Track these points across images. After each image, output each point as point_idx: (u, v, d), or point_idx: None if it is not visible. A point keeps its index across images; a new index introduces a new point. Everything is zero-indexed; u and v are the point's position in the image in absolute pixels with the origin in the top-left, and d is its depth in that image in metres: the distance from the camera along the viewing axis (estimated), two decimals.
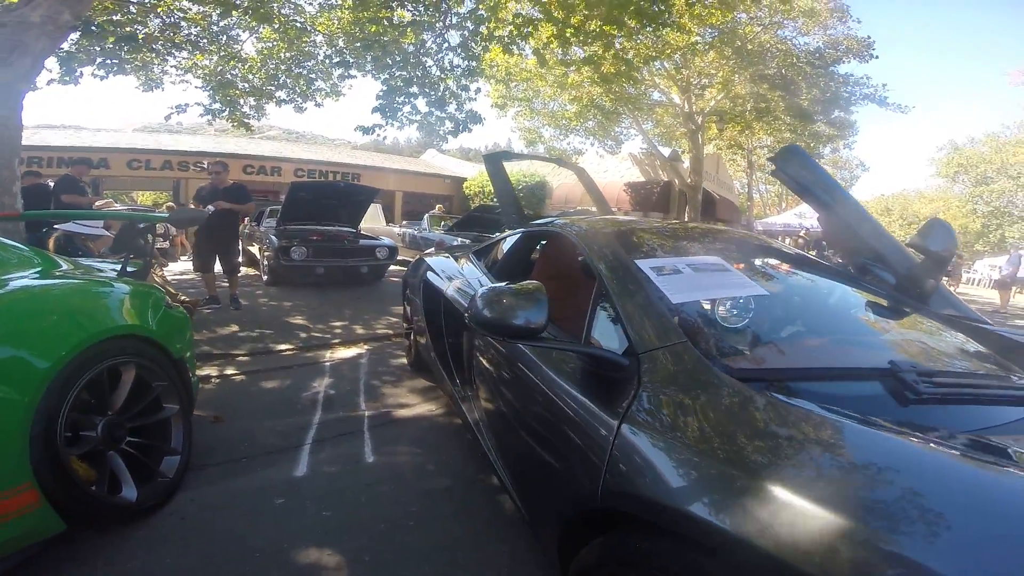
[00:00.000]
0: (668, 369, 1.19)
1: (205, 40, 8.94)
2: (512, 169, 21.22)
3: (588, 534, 1.16)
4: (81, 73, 8.10)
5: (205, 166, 17.35)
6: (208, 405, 3.19)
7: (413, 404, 3.37)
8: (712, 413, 1.05)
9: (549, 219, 3.15)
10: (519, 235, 2.87)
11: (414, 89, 9.02)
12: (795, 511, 0.75)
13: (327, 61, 9.72)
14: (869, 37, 11.55)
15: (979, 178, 32.39)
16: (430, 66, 9.24)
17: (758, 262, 2.17)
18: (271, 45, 9.40)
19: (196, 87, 9.49)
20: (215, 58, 9.20)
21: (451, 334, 2.86)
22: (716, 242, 2.19)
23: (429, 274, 3.25)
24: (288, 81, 9.90)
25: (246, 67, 9.57)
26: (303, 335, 4.95)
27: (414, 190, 21.95)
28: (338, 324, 5.44)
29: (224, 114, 9.81)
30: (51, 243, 4.41)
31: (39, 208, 5.50)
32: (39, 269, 2.25)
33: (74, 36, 7.44)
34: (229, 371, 3.89)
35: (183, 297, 5.05)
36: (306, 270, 7.15)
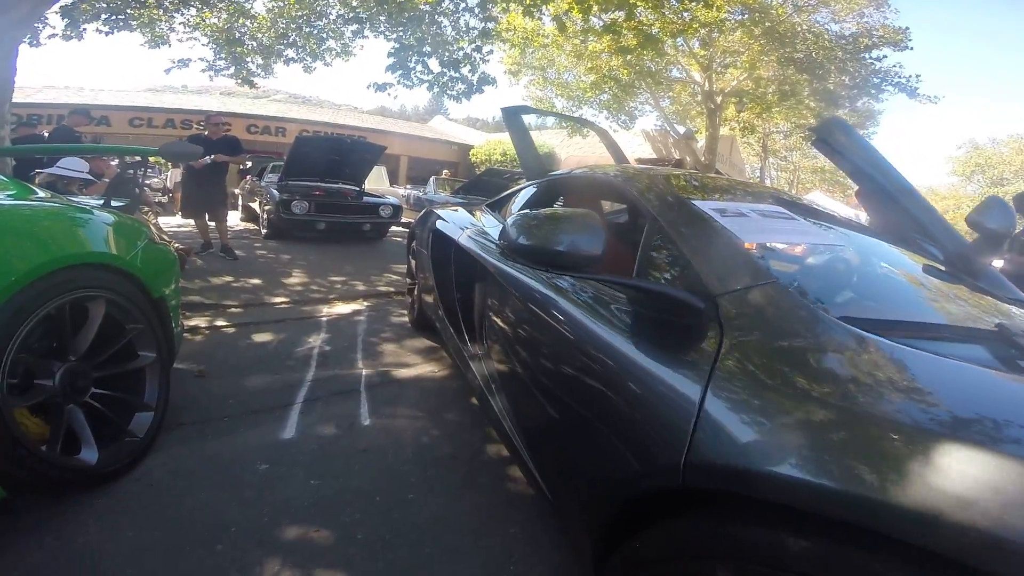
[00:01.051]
0: (761, 312, 0.92)
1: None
2: None
3: (638, 520, 0.91)
4: (85, 28, 7.79)
5: (220, 123, 17.04)
6: (192, 358, 2.95)
7: (414, 364, 3.12)
8: (829, 361, 0.81)
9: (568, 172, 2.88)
10: (540, 184, 2.58)
11: (427, 48, 8.63)
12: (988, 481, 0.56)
13: (340, 19, 9.31)
14: (907, 27, 11.01)
15: (995, 179, 31.75)
16: (445, 26, 8.81)
17: (813, 219, 1.92)
18: (282, 3, 9.01)
19: (203, 44, 9.15)
20: (224, 15, 8.82)
21: (462, 286, 2.60)
22: (768, 197, 1.92)
23: (439, 223, 2.96)
24: (298, 40, 9.50)
25: (255, 25, 9.20)
26: (299, 289, 4.69)
27: (420, 155, 21.53)
28: (337, 279, 5.18)
29: (229, 71, 9.44)
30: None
31: (33, 161, 5.18)
32: (12, 192, 1.97)
33: None
34: (219, 322, 3.63)
35: (176, 245, 4.79)
36: (307, 224, 6.88)
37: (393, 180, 15.96)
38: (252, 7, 9.16)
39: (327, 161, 7.59)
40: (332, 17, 9.41)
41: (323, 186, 7.48)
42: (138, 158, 3.49)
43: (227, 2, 8.75)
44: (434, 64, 8.81)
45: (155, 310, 1.97)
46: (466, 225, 2.68)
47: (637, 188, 1.63)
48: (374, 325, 3.86)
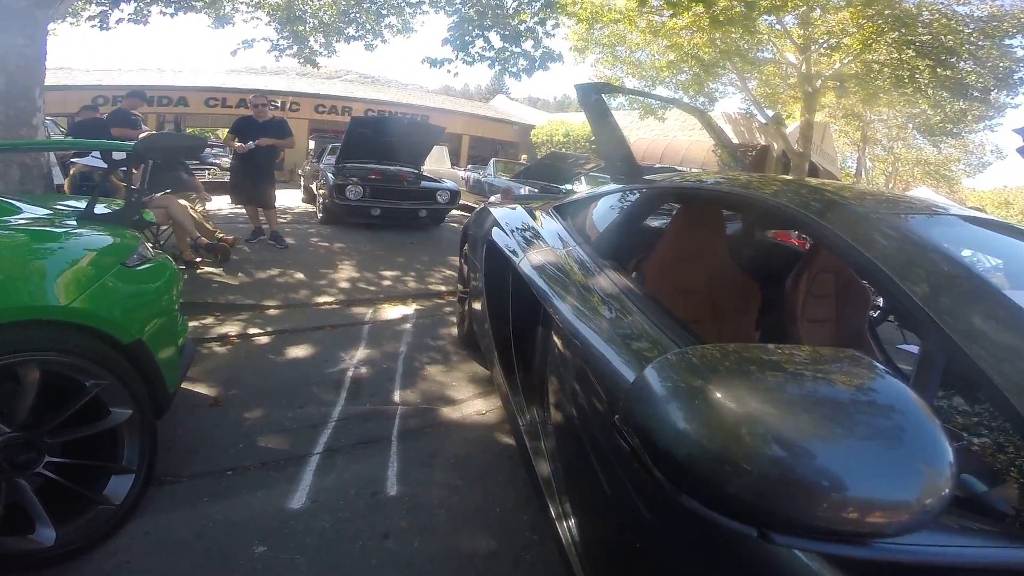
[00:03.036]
0: None
1: None
2: (579, 120, 19.74)
3: None
4: (149, 12, 7.85)
5: (278, 104, 17.29)
6: (213, 377, 2.63)
7: (459, 400, 2.64)
8: None
9: (667, 175, 2.24)
10: (633, 194, 1.97)
11: (487, 22, 8.06)
12: None
13: None
14: None
15: None
16: None
17: None
18: None
19: (265, 24, 8.97)
20: None
21: (520, 322, 2.07)
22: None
23: (495, 232, 2.43)
24: (358, 17, 9.22)
25: (315, 3, 8.99)
26: (346, 285, 4.33)
27: (481, 135, 21.06)
28: (388, 274, 4.79)
29: (292, 51, 9.26)
30: (67, 183, 3.92)
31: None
32: None
33: None
34: (252, 329, 3.31)
35: (220, 235, 4.55)
36: (361, 210, 6.53)
37: (455, 160, 15.58)
38: None
39: (384, 142, 7.19)
40: None
41: (380, 168, 7.12)
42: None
43: None
44: (495, 39, 8.24)
45: (129, 358, 1.56)
46: (528, 236, 2.13)
47: (844, 226, 1.01)
48: (420, 338, 3.41)
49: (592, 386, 1.25)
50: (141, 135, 4.72)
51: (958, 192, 23.42)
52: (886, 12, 9.19)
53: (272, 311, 3.68)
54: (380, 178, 6.79)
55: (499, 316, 2.28)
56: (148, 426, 1.65)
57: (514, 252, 2.04)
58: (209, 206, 5.77)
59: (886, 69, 10.41)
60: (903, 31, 9.35)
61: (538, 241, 2.05)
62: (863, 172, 20.36)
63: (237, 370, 2.77)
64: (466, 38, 7.90)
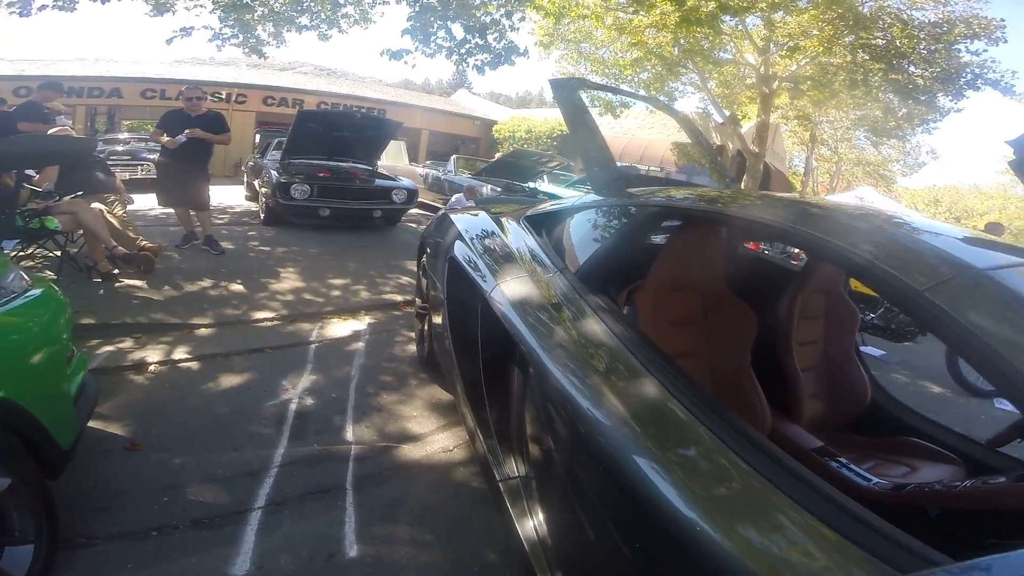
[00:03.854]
0: None
1: None
2: (546, 117, 19.60)
3: None
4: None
5: (223, 96, 16.20)
6: (130, 414, 2.23)
7: (422, 434, 2.32)
8: None
9: (655, 188, 2.01)
10: (618, 210, 1.73)
11: (451, 12, 7.67)
12: None
13: None
14: (1001, 19, 9.58)
15: None
16: None
17: None
18: None
19: (209, 11, 8.28)
20: None
21: (490, 351, 1.79)
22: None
23: (458, 247, 2.13)
24: (312, 5, 8.66)
25: None
26: (289, 297, 3.91)
27: (442, 130, 20.44)
28: (337, 282, 4.38)
29: (236, 41, 8.61)
30: None
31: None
32: None
33: None
34: (178, 353, 2.87)
35: (143, 242, 4.04)
36: (308, 211, 6.03)
37: (413, 157, 15.03)
38: None
39: (335, 138, 6.70)
40: None
41: (330, 166, 6.62)
42: None
43: None
44: (458, 30, 7.87)
45: None
46: (497, 258, 1.85)
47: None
48: (374, 358, 3.07)
49: (585, 451, 1.02)
50: (52, 130, 4.13)
51: (894, 191, 24.76)
52: (847, 15, 9.39)
53: (202, 331, 3.23)
54: (329, 176, 6.31)
55: (465, 344, 1.99)
56: (38, 491, 1.36)
57: (483, 276, 1.76)
58: (136, 207, 5.19)
59: (841, 72, 10.69)
60: (860, 34, 9.59)
61: (509, 264, 1.76)
62: (810, 172, 21.16)
63: (159, 405, 2.36)
64: (428, 29, 7.48)
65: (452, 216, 2.57)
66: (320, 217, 6.09)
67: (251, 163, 8.54)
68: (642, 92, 14.07)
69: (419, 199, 7.73)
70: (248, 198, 8.82)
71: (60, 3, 7.33)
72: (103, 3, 7.57)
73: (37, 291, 1.62)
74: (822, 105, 12.82)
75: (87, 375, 1.90)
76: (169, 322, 3.23)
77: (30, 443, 1.38)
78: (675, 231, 1.68)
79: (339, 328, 3.50)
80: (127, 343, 2.96)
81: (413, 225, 7.59)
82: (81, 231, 3.74)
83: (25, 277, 1.72)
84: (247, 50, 8.83)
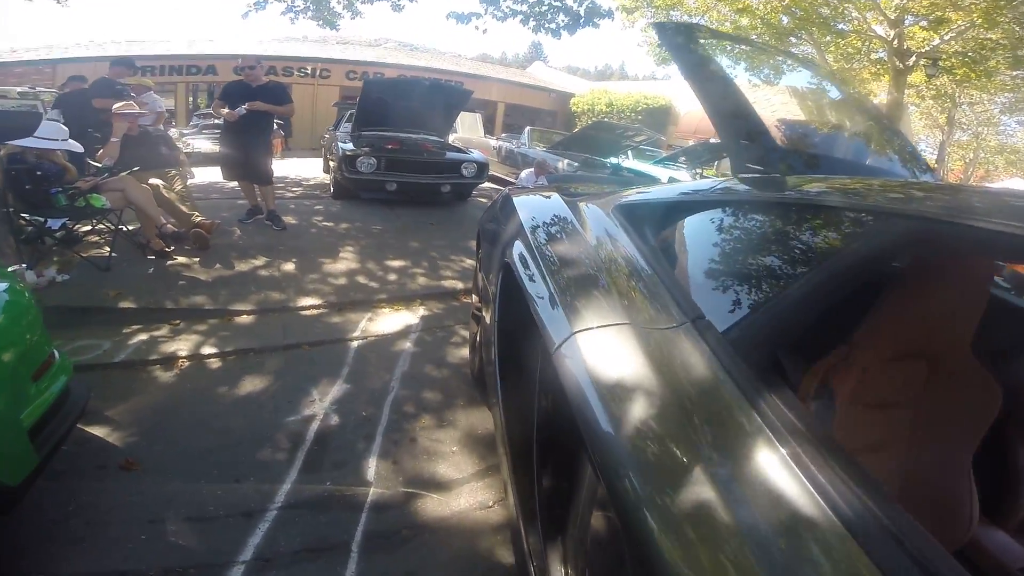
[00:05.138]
0: None
1: None
2: (628, 91, 18.14)
3: None
4: None
5: (308, 71, 16.53)
6: (138, 422, 1.99)
7: (457, 480, 1.85)
8: None
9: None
10: (798, 211, 1.10)
11: None
12: None
13: None
14: None
15: None
16: None
17: None
18: None
19: None
20: None
21: (551, 428, 1.23)
22: None
23: (518, 248, 1.56)
24: None
25: None
26: (342, 281, 3.57)
27: (517, 102, 19.77)
28: (396, 264, 4.00)
29: (308, 14, 8.39)
30: None
31: (81, 116, 4.59)
32: None
33: None
34: (209, 348, 2.61)
35: (198, 218, 3.84)
36: (375, 185, 5.72)
37: (489, 129, 14.53)
38: None
39: (405, 108, 6.32)
40: None
41: (399, 137, 6.26)
42: None
43: None
44: None
45: None
46: (574, 278, 1.25)
47: None
48: (420, 364, 2.63)
49: None
50: (117, 105, 4.05)
51: None
52: None
53: (243, 318, 2.97)
54: (397, 148, 5.93)
55: (516, 396, 1.46)
56: None
57: (550, 313, 1.15)
58: (217, 179, 5.13)
59: (1000, 48, 8.78)
60: None
61: (594, 293, 1.14)
62: (943, 159, 18.17)
63: (171, 412, 2.09)
64: None
65: (515, 199, 2.01)
66: (387, 191, 5.75)
67: (327, 135, 8.46)
68: (737, 66, 12.55)
69: (491, 173, 7.23)
70: (325, 171, 8.83)
71: None
72: None
73: None
74: (969, 84, 10.69)
75: (71, 382, 1.66)
76: (209, 308, 2.99)
77: None
78: (910, 258, 1.00)
79: (389, 321, 3.11)
80: (162, 331, 2.75)
81: (483, 200, 7.12)
82: (128, 207, 3.61)
83: None
84: (321, 22, 8.60)
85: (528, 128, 9.61)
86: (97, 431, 1.94)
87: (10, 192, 3.20)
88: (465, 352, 2.75)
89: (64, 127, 3.53)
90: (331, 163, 6.46)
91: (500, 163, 9.22)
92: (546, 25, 7.44)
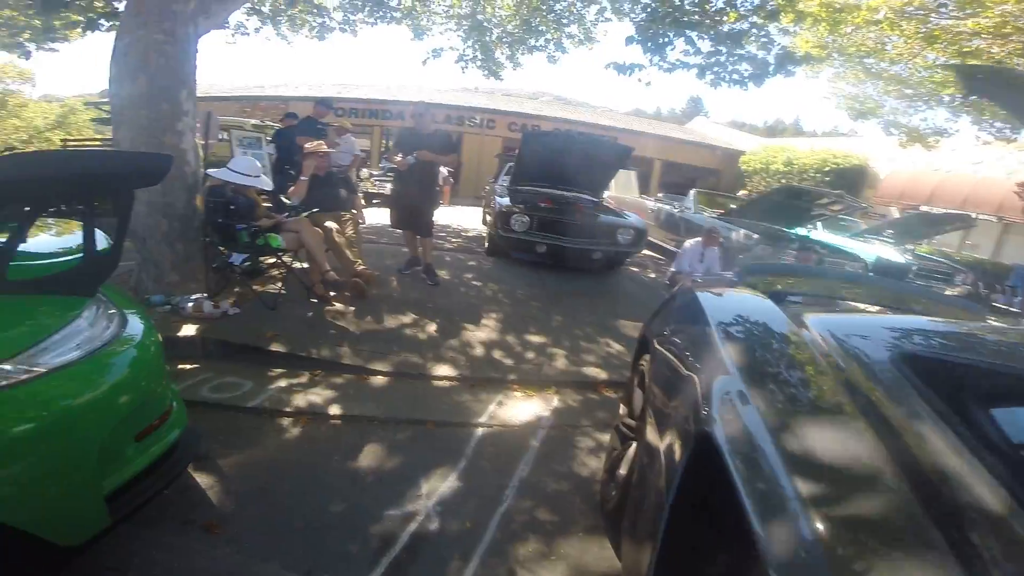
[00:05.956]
0: None
1: None
2: (812, 147, 16.10)
3: None
4: (354, 21, 8.28)
5: (477, 121, 17.94)
6: (241, 480, 1.97)
7: None
8: None
9: None
10: None
11: (685, 18, 6.41)
12: None
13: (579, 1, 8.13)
14: None
15: None
16: None
17: None
18: None
19: (453, 31, 8.85)
20: (467, 1, 8.40)
21: None
22: None
23: (724, 406, 1.02)
24: (539, 26, 8.58)
25: (492, 9, 8.53)
26: (479, 351, 3.40)
27: (676, 159, 18.88)
28: (535, 339, 3.73)
29: (477, 63, 8.96)
30: (198, 200, 3.63)
31: (289, 152, 5.22)
32: None
33: None
34: (337, 408, 2.57)
35: (360, 267, 3.96)
36: (525, 245, 5.59)
37: (644, 189, 14.06)
38: None
39: (562, 163, 6.17)
40: None
41: (554, 195, 6.12)
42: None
43: None
44: (702, 42, 6.59)
45: None
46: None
47: None
48: (542, 470, 2.28)
49: None
50: (309, 144, 4.41)
51: None
52: None
53: (377, 379, 2.91)
54: (551, 207, 5.80)
55: None
56: None
57: (786, 548, 0.67)
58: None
59: None
60: None
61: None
62: None
63: (278, 474, 2.03)
64: (659, 40, 6.45)
65: (705, 304, 1.54)
66: (536, 253, 5.58)
67: (487, 187, 8.79)
68: (957, 119, 10.41)
69: (649, 238, 6.73)
70: (483, 223, 9.14)
71: (344, 26, 8.51)
72: (372, 25, 8.55)
73: (121, 348, 1.44)
74: None
75: (184, 433, 1.63)
76: (349, 363, 2.99)
77: None
78: None
79: (519, 408, 2.82)
80: (302, 379, 2.81)
81: (636, 270, 6.63)
82: (301, 250, 3.84)
83: (110, 321, 1.46)
84: (487, 72, 9.10)
85: (694, 190, 8.77)
86: (202, 479, 1.93)
87: (208, 223, 3.59)
88: (595, 463, 2.34)
89: (257, 163, 3.85)
90: (488, 216, 6.57)
91: (658, 227, 8.63)
92: (726, 77, 6.82)
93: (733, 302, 1.57)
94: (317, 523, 1.77)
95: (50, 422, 1.23)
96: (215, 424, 2.28)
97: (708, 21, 6.32)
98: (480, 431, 2.53)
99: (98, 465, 1.28)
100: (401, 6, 8.25)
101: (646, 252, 7.54)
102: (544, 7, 8.17)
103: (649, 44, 6.37)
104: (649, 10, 6.38)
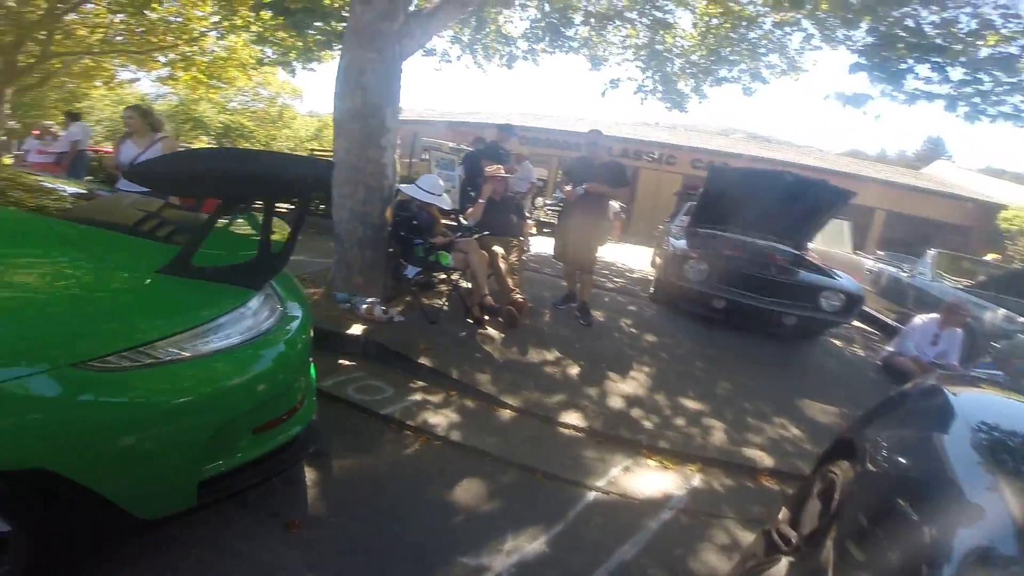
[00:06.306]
0: None
1: (635, 12, 7.75)
2: None
3: None
4: (535, 50, 8.51)
5: (655, 156, 17.18)
6: (342, 484, 2.06)
7: None
8: None
9: None
10: None
11: (924, 41, 5.09)
12: None
13: (779, 28, 7.20)
14: None
15: None
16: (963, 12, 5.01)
17: None
18: (707, 20, 7.56)
19: (630, 61, 8.59)
20: (643, 31, 8.02)
21: None
22: None
23: None
24: (731, 56, 7.84)
25: (672, 39, 8.00)
26: (619, 405, 3.11)
27: (906, 211, 15.61)
28: (689, 404, 3.29)
29: (658, 94, 8.56)
30: (388, 211, 3.94)
31: (473, 174, 5.34)
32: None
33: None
34: (458, 433, 2.56)
35: (516, 295, 3.94)
36: (700, 298, 4.91)
37: (860, 243, 11.75)
38: (675, 21, 7.97)
39: (756, 205, 5.38)
40: (767, 27, 7.23)
41: (742, 242, 5.35)
42: None
43: (646, 17, 7.76)
44: (954, 70, 5.19)
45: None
46: None
47: None
48: (649, 560, 1.92)
49: None
50: (490, 168, 4.57)
51: None
52: None
53: (505, 413, 2.84)
54: (738, 256, 5.09)
55: None
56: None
57: None
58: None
59: None
60: None
61: None
62: None
63: (378, 487, 2.07)
64: (892, 67, 5.25)
65: (956, 406, 1.09)
66: (712, 308, 4.88)
67: (660, 227, 8.27)
68: None
69: (863, 307, 5.52)
70: (652, 266, 8.61)
71: (526, 54, 8.74)
72: (551, 54, 8.72)
73: (272, 341, 1.55)
74: None
75: (304, 429, 1.69)
76: (483, 390, 2.97)
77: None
78: None
79: (647, 479, 2.47)
80: (437, 397, 2.88)
81: (838, 343, 5.47)
82: (466, 271, 3.98)
83: (271, 313, 1.60)
84: (669, 105, 8.62)
85: (934, 251, 6.89)
86: (310, 475, 2.03)
87: (392, 235, 3.90)
88: (723, 567, 1.92)
89: (441, 182, 4.12)
90: (658, 259, 6.10)
91: (875, 294, 7.07)
92: (988, 111, 5.29)
93: (1009, 413, 1.06)
94: (388, 549, 1.74)
95: (185, 402, 1.31)
96: (346, 423, 2.43)
97: (958, 46, 5.01)
98: (592, 495, 2.26)
99: (203, 451, 1.35)
100: (577, 36, 8.31)
101: (860, 325, 6.23)
102: (735, 35, 7.51)
103: (878, 72, 5.29)
104: (877, 34, 5.32)
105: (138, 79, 16.79)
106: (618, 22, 7.82)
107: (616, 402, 3.12)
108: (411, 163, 9.23)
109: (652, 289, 5.88)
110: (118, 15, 11.15)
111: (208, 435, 1.35)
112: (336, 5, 6.94)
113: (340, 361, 3.09)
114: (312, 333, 1.88)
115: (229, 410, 1.41)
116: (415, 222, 3.82)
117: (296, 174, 1.75)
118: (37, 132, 7.56)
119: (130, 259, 1.53)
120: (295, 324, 1.70)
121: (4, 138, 13.38)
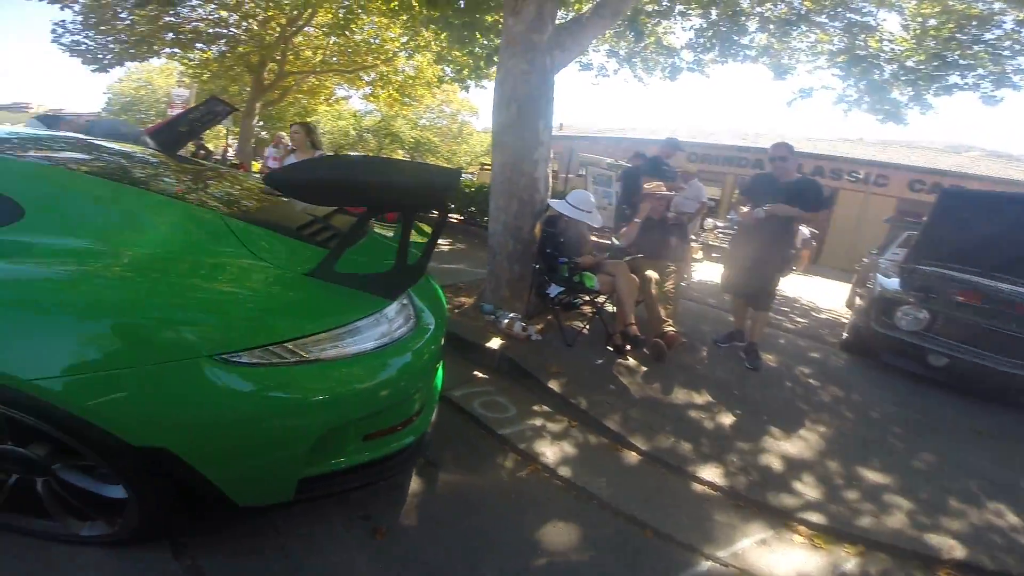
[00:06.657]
0: None
1: (823, 16, 6.62)
2: None
3: None
4: (703, 61, 7.77)
5: (860, 176, 14.23)
6: (442, 499, 2.06)
7: None
8: None
9: None
10: None
11: None
12: None
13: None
14: None
15: None
16: None
17: None
18: (923, 21, 6.26)
19: (824, 69, 7.40)
20: (838, 36, 6.86)
21: None
22: None
23: None
24: (960, 59, 6.31)
25: (877, 43, 6.68)
26: (773, 466, 2.61)
27: None
28: (869, 475, 2.63)
29: (863, 105, 7.23)
30: (537, 227, 3.87)
31: (631, 191, 5.20)
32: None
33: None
34: (570, 470, 2.40)
35: (668, 327, 3.60)
36: (912, 351, 3.97)
37: None
38: (876, 22, 6.55)
39: (1006, 239, 4.21)
40: (1007, 26, 5.77)
41: (982, 284, 4.15)
42: None
43: (838, 20, 6.58)
44: None
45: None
46: None
47: None
48: None
49: None
50: (650, 185, 4.31)
51: None
52: None
53: (629, 454, 2.57)
54: (973, 303, 3.96)
55: None
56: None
57: None
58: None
59: None
60: None
61: None
62: None
63: (468, 508, 2.01)
64: None
65: None
66: (927, 365, 3.93)
67: (866, 259, 6.86)
68: None
69: None
70: (848, 306, 7.21)
71: (692, 66, 8.01)
72: (722, 64, 7.83)
73: (401, 350, 1.59)
74: None
75: (416, 440, 1.71)
76: (609, 427, 2.75)
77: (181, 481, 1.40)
78: None
79: (786, 557, 2.02)
80: (558, 425, 2.77)
81: None
82: (612, 295, 3.76)
83: (405, 322, 1.65)
84: (881, 117, 7.14)
85: None
86: (414, 484, 2.05)
87: (539, 251, 3.85)
88: None
89: (591, 198, 3.94)
90: (859, 300, 5.06)
91: None
92: None
93: None
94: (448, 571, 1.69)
95: (304, 402, 1.37)
96: (464, 437, 2.46)
97: None
98: (707, 565, 1.91)
99: (311, 450, 1.40)
100: (754, 44, 7.40)
101: None
102: (964, 35, 6.12)
103: None
104: None
105: (350, 96, 19.53)
106: (803, 27, 6.88)
107: (771, 462, 2.62)
108: (567, 178, 9.20)
109: (845, 335, 4.93)
110: (332, 37, 13.22)
111: (318, 435, 1.40)
112: (495, 20, 7.25)
113: (475, 372, 3.18)
114: (443, 343, 1.90)
115: (344, 414, 1.44)
116: (562, 239, 3.76)
117: (422, 183, 1.72)
118: (275, 142, 9.31)
119: (285, 260, 1.58)
120: (426, 336, 1.71)
121: (254, 146, 16.66)
